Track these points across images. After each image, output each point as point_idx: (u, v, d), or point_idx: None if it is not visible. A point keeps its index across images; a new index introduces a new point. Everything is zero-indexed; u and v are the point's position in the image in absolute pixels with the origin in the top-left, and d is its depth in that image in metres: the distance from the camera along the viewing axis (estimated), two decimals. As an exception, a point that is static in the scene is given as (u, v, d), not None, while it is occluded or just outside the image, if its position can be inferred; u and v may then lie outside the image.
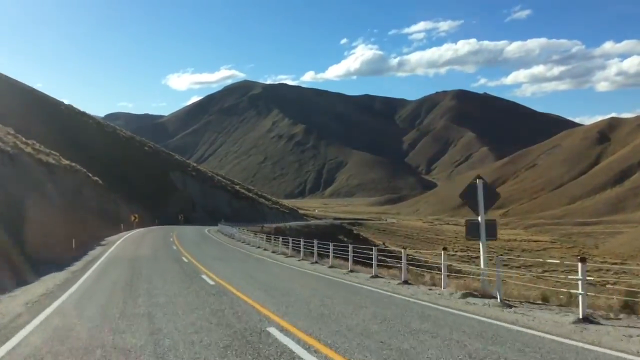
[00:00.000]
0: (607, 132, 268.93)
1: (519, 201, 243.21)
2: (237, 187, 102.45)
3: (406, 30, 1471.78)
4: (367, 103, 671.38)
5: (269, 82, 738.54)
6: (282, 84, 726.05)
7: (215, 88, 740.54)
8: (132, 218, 54.36)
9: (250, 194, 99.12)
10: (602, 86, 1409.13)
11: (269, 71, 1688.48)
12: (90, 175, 40.65)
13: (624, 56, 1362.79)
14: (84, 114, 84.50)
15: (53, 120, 63.12)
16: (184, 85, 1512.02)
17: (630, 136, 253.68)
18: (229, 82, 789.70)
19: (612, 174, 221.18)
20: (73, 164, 37.08)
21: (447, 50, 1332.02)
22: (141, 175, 73.37)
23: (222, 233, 50.35)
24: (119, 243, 34.26)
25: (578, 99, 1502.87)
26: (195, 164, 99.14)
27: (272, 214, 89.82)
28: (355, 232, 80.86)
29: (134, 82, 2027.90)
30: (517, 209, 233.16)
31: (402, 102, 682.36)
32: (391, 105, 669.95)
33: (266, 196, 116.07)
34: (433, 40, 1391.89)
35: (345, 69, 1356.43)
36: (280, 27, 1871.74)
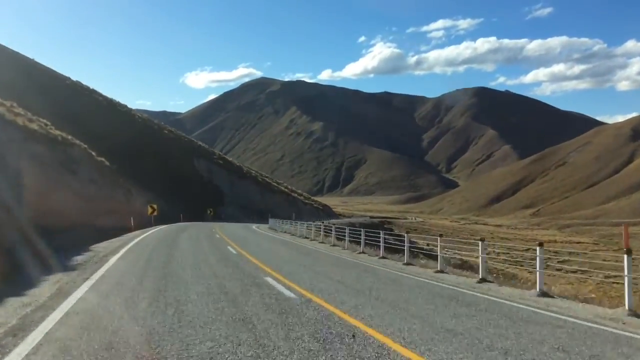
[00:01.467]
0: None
1: (549, 200, 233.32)
2: (267, 179, 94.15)
3: (425, 28, 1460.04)
4: (385, 100, 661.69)
5: (286, 79, 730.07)
6: (300, 81, 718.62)
7: (233, 86, 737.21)
8: (150, 210, 42.30)
9: (283, 188, 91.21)
10: (623, 85, 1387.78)
11: (286, 69, 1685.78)
12: (93, 154, 32.67)
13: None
14: (93, 90, 75.09)
15: (53, 94, 53.31)
16: (202, 84, 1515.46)
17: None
18: (247, 80, 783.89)
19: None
20: (69, 137, 29.37)
21: (466, 49, 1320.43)
22: (159, 161, 63.67)
23: (292, 234, 36.44)
24: (112, 267, 14.27)
25: (598, 98, 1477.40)
26: (220, 153, 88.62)
27: (307, 210, 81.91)
28: (396, 231, 73.16)
29: (153, 81, 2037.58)
30: (548, 208, 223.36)
31: (421, 100, 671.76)
32: (410, 102, 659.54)
33: (297, 191, 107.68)
34: (452, 38, 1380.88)
35: (363, 67, 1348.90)
36: (297, 26, 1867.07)
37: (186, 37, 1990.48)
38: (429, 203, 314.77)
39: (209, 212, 64.85)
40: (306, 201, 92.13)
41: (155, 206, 43.02)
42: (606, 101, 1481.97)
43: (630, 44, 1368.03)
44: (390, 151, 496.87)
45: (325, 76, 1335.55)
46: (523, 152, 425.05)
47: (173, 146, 75.30)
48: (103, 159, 34.88)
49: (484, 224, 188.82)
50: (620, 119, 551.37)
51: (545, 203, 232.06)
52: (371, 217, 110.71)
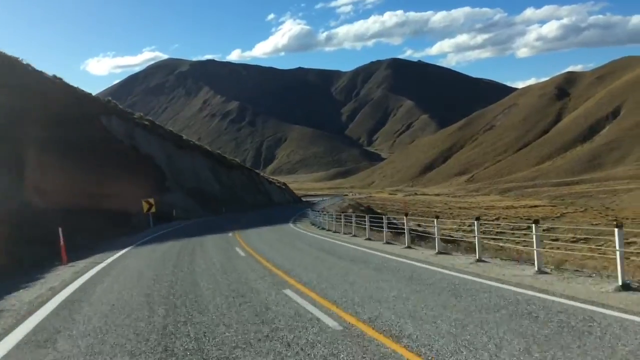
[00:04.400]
0: (565, 87, 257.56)
1: (482, 165, 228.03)
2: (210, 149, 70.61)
3: (333, 3, 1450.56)
4: (300, 76, 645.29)
5: (195, 59, 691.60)
6: (211, 60, 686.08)
7: (139, 71, 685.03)
8: None
9: (239, 161, 72.00)
10: (523, 52, 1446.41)
11: (194, 52, 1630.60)
12: None
13: (543, 22, 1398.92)
14: None
15: None
16: (105, 70, 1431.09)
17: (589, 90, 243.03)
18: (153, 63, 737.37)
19: (579, 130, 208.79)
20: None
21: (374, 23, 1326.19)
22: (36, 116, 34.74)
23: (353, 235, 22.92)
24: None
25: (500, 66, 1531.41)
26: (142, 114, 60.59)
27: (274, 190, 63.95)
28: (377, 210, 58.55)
29: (50, 68, 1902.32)
30: (483, 173, 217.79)
31: (337, 74, 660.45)
32: (326, 77, 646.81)
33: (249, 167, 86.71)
34: (360, 13, 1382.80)
35: (273, 46, 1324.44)
36: (203, 5, 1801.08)
37: (85, 21, 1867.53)
38: (360, 177, 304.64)
39: (146, 206, 37.45)
40: (271, 179, 74.13)
41: None
42: (507, 68, 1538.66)
43: (529, 12, 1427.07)
44: (310, 127, 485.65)
45: (234, 56, 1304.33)
46: (441, 121, 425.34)
47: (62, 96, 43.83)
48: None
49: (422, 194, 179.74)
50: (520, 84, 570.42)
51: (479, 168, 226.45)
52: (308, 195, 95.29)
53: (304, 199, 77.71)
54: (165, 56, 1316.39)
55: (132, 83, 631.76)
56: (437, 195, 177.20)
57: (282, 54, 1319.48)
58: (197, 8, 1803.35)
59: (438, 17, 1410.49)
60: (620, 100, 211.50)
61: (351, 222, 23.40)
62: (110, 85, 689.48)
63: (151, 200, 37.36)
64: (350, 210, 40.37)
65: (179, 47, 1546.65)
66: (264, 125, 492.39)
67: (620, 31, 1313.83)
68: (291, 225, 34.06)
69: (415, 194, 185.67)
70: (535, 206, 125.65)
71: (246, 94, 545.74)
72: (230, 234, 26.90)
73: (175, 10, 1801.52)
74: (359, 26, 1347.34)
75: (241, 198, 38.98)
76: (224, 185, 51.93)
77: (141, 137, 45.01)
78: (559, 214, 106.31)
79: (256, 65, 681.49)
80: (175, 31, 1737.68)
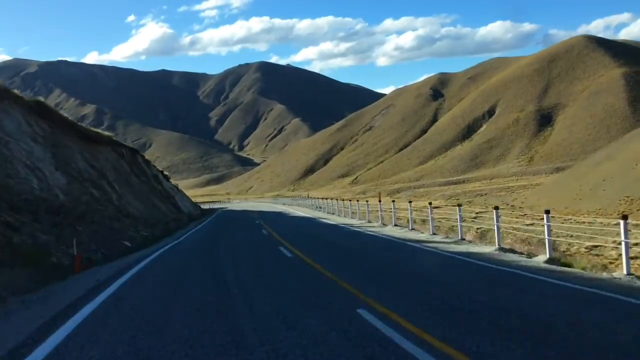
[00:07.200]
0: (439, 88, 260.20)
1: (365, 166, 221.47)
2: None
3: (197, 7, 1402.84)
4: (164, 79, 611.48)
5: (45, 60, 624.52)
6: (63, 60, 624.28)
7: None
8: None
9: (107, 133, 50.80)
10: (382, 61, 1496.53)
11: (46, 54, 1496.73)
12: None
13: (401, 32, 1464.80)
14: None
15: None
16: None
17: (462, 91, 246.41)
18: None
19: (458, 130, 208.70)
20: None
21: (240, 28, 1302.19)
22: None
23: None
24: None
25: (361, 73, 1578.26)
26: None
27: (174, 192, 44.75)
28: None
29: None
30: (366, 175, 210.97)
31: (203, 77, 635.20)
32: (192, 80, 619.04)
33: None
34: (225, 17, 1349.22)
35: (133, 49, 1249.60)
36: (56, 5, 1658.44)
37: None
38: (235, 182, 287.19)
39: None
40: (165, 173, 54.76)
41: None
42: (368, 76, 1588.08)
43: (388, 22, 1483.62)
44: (177, 132, 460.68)
45: (91, 60, 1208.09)
46: (314, 124, 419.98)
47: None
48: None
49: (309, 198, 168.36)
50: (380, 91, 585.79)
51: (362, 170, 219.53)
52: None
53: (203, 207, 61.17)
54: (11, 58, 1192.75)
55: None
56: (325, 198, 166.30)
57: (143, 57, 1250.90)
58: (49, 7, 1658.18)
59: (303, 25, 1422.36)
60: (494, 99, 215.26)
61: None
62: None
63: None
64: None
65: (29, 49, 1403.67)
66: (125, 130, 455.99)
67: (469, 42, 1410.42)
68: None
69: (301, 196, 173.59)
70: (438, 207, 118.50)
71: (104, 97, 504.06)
72: None
73: (24, 9, 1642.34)
74: (225, 31, 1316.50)
75: (122, 207, 18.12)
76: (78, 176, 25.02)
77: None
78: (473, 214, 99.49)
79: (114, 67, 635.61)
80: (24, 32, 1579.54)
